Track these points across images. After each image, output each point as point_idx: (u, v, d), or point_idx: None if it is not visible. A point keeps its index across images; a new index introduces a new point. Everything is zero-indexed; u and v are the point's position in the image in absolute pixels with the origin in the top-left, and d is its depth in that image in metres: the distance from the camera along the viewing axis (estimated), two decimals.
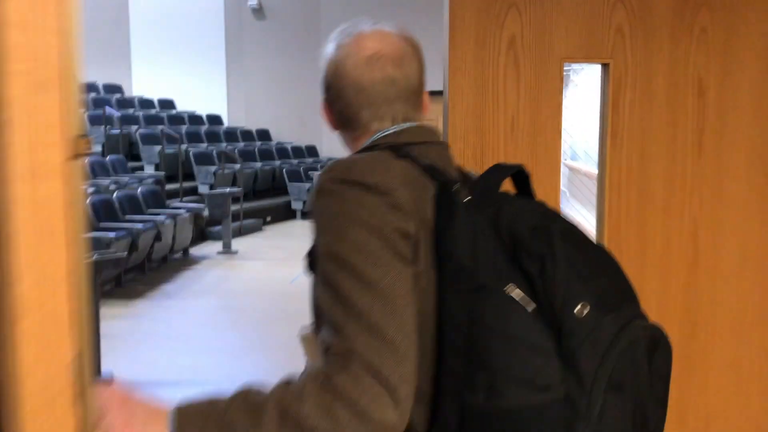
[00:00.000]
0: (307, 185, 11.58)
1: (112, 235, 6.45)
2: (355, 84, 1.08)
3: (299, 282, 7.13)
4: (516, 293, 0.88)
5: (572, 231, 0.97)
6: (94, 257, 4.27)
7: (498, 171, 1.02)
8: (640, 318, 0.94)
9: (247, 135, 13.39)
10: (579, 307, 0.87)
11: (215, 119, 13.79)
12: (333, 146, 14.01)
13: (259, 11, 13.77)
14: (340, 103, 1.11)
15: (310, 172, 11.83)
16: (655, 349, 0.93)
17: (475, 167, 1.52)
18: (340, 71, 1.10)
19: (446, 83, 1.62)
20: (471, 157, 1.59)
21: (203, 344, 5.27)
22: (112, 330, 5.51)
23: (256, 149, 12.61)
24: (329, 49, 1.12)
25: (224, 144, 12.43)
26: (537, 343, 0.87)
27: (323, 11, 13.84)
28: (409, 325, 0.89)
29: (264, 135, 13.76)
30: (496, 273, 0.90)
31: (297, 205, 11.73)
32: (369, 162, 0.98)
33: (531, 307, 0.88)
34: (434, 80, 1.24)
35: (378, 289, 0.88)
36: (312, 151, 13.88)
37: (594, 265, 0.94)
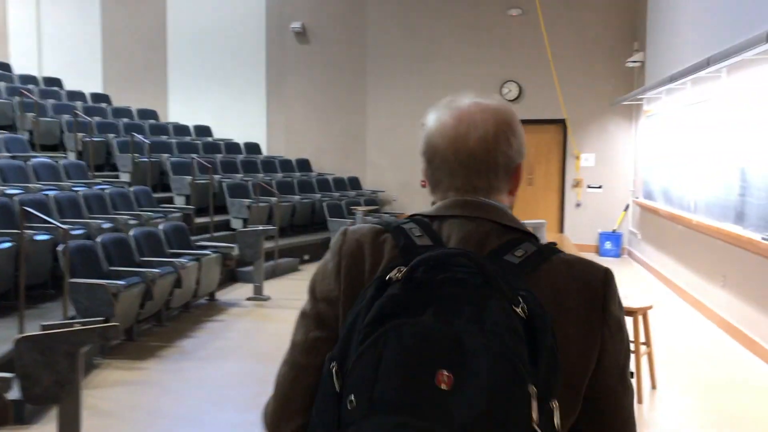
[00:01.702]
0: (348, 221, 10.57)
1: (121, 283, 5.52)
2: (435, 155, 1.16)
3: None
4: (333, 371, 0.94)
5: (409, 334, 0.89)
6: (75, 327, 3.30)
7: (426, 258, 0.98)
8: (391, 426, 0.85)
9: (286, 165, 12.51)
10: (351, 398, 0.89)
11: (253, 148, 12.96)
12: (377, 178, 13.03)
13: (302, 35, 12.98)
14: (426, 170, 1.19)
15: (352, 207, 10.82)
16: None
17: None
18: (427, 140, 1.17)
19: None
20: None
21: (215, 428, 4.25)
22: (108, 403, 4.54)
23: (295, 181, 11.70)
24: (428, 117, 1.20)
25: (261, 175, 11.55)
26: (326, 422, 0.94)
27: (370, 35, 12.96)
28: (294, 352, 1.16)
29: (304, 165, 12.87)
30: (342, 346, 0.97)
31: None
32: (347, 232, 1.15)
33: (338, 387, 0.93)
34: None
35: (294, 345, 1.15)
36: (355, 183, 12.91)
37: (406, 368, 0.87)
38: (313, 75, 13.05)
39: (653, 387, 4.89)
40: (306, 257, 10.18)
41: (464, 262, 0.96)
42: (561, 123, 12.04)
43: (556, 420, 0.90)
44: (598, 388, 1.06)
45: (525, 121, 10.95)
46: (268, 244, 8.84)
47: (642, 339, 4.81)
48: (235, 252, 7.72)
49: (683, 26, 8.21)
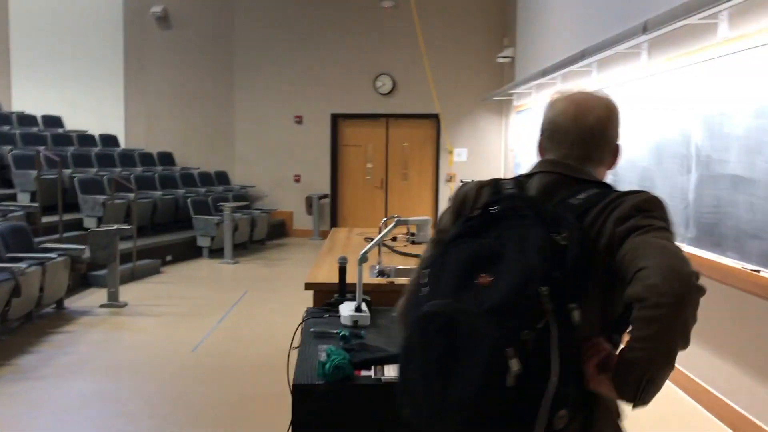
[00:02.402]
0: (216, 218, 9.94)
1: None
2: (557, 131, 1.53)
3: (203, 350, 5.54)
4: (425, 273, 1.42)
5: (466, 248, 1.35)
6: None
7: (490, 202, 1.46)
8: (440, 304, 1.29)
9: (146, 159, 11.63)
10: (425, 289, 1.36)
11: (110, 140, 11.95)
12: (247, 173, 12.46)
13: (163, 19, 12.12)
14: (543, 143, 1.58)
15: (219, 204, 10.17)
16: (423, 322, 1.30)
17: None
18: (551, 120, 1.55)
19: None
20: None
21: None
22: None
23: (156, 176, 10.89)
24: (546, 106, 1.58)
25: (119, 169, 10.65)
26: (413, 307, 1.41)
27: (237, 22, 12.34)
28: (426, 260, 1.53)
29: (167, 159, 12.04)
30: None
31: (203, 242, 10.04)
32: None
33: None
34: None
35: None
36: (222, 178, 12.25)
37: (459, 270, 1.32)
38: (177, 63, 12.24)
39: None
40: (169, 258, 9.46)
41: (523, 203, 1.38)
42: (434, 118, 11.98)
43: (575, 318, 1.24)
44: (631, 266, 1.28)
45: (399, 116, 10.70)
46: (125, 245, 8.11)
47: None
48: (86, 254, 6.96)
49: (553, 22, 8.29)
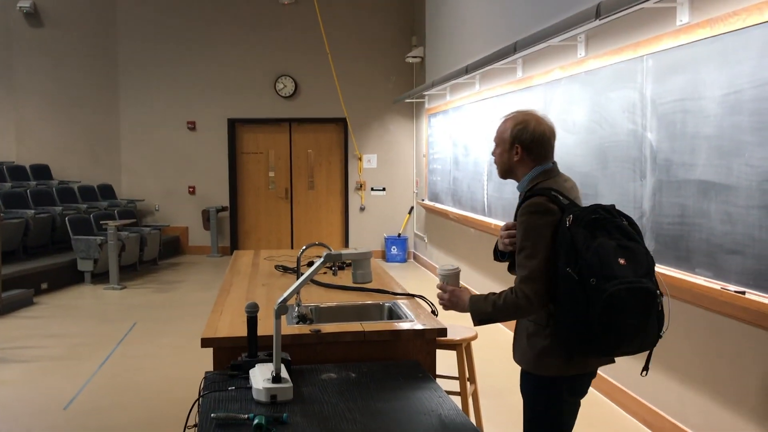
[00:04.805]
0: (98, 238, 8.77)
1: None
2: (544, 140, 2.28)
3: (78, 407, 4.53)
4: (569, 272, 2.08)
5: (605, 246, 2.07)
6: None
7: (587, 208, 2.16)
8: (617, 282, 2.02)
9: (17, 173, 10.26)
10: (591, 280, 2.04)
11: None
12: (134, 185, 11.29)
13: (33, 16, 10.78)
14: (526, 152, 2.28)
15: (103, 221, 8.98)
16: (617, 297, 2.01)
17: None
18: (539, 133, 2.27)
19: None
20: None
21: None
22: None
23: (29, 192, 9.58)
24: (525, 121, 2.28)
25: None
26: (577, 299, 2.07)
27: (120, 17, 11.16)
28: (540, 269, 2.14)
29: (42, 172, 10.69)
30: (566, 259, 2.09)
31: (85, 266, 8.84)
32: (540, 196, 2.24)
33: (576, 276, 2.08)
34: None
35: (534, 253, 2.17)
36: (107, 191, 11.01)
37: (608, 259, 2.05)
38: (51, 64, 10.92)
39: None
40: (44, 286, 8.24)
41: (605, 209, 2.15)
42: (341, 122, 11.25)
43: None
44: None
45: (303, 120, 9.70)
46: None
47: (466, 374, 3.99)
48: None
49: (466, 18, 7.74)
